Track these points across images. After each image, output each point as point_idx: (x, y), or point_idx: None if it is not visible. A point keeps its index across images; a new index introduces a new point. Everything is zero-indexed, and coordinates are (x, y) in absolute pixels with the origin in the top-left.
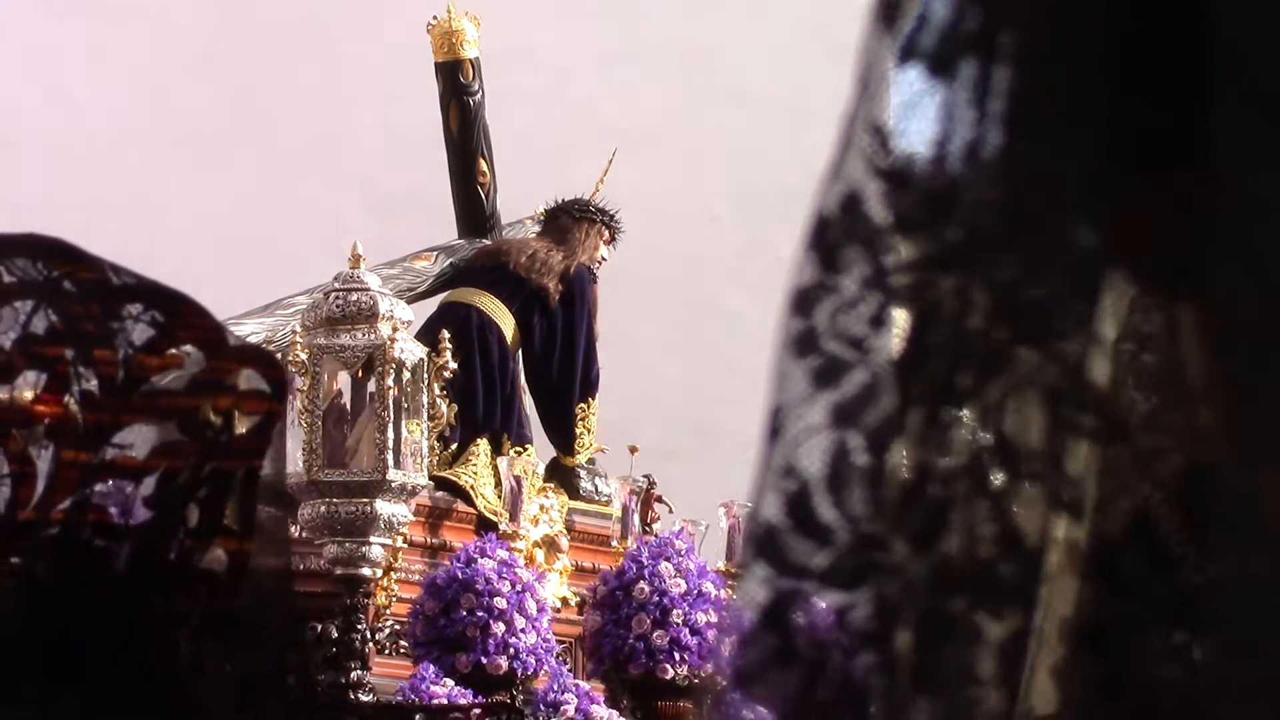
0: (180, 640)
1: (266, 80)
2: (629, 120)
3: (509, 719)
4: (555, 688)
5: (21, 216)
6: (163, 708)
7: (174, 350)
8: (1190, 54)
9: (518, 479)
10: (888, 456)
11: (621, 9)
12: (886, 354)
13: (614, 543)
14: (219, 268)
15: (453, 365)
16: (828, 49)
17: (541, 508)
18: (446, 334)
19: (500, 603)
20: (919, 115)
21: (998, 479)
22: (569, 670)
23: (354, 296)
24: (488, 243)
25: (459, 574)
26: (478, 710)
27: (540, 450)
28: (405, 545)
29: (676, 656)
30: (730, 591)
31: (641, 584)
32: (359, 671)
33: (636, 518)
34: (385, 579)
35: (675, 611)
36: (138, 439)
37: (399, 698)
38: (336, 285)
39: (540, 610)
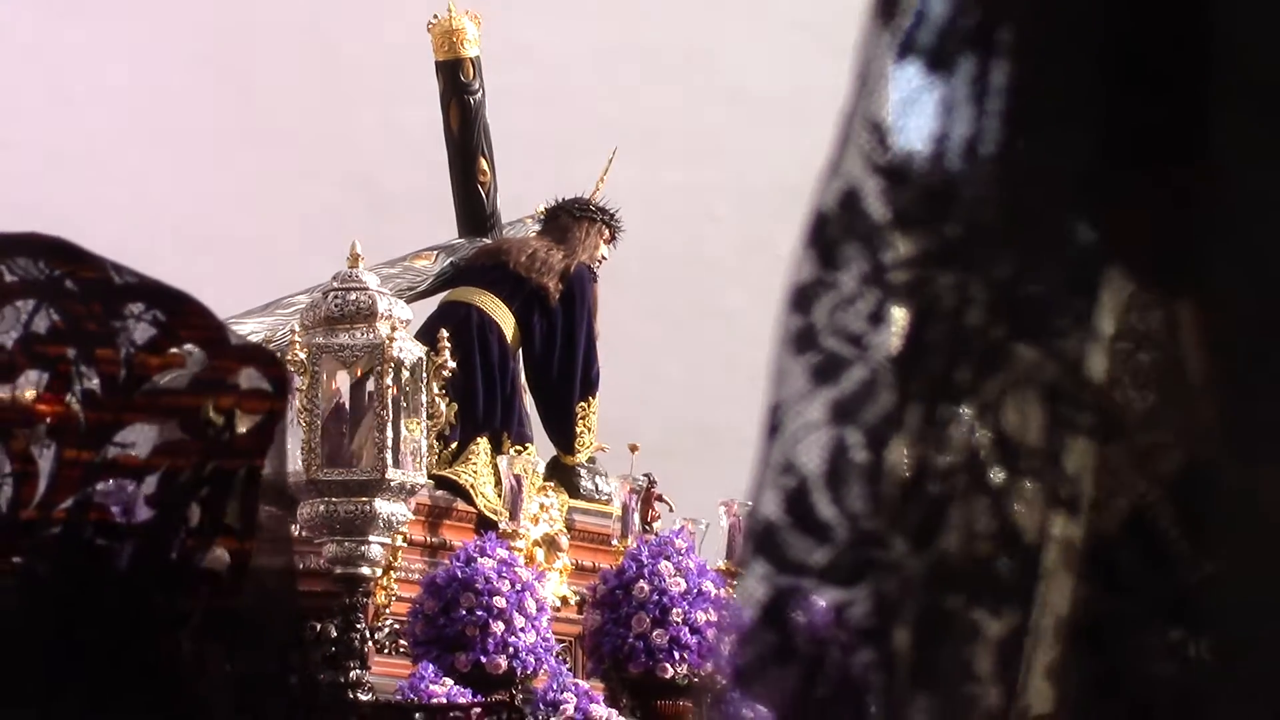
0: (182, 639)
1: (266, 80)
2: (629, 119)
3: (508, 718)
4: (555, 687)
5: (21, 216)
6: (164, 707)
7: (176, 349)
8: (1188, 50)
9: (518, 478)
10: (886, 453)
11: (621, 8)
12: (885, 350)
13: (614, 541)
14: (219, 268)
15: (451, 364)
16: (828, 49)
17: (541, 506)
18: (445, 333)
19: (500, 602)
20: (917, 112)
21: (996, 476)
22: (568, 669)
23: (353, 296)
24: (488, 242)
25: (458, 573)
26: (477, 709)
27: (540, 449)
28: (405, 544)
29: (676, 655)
30: (730, 590)
31: (641, 583)
32: (358, 671)
33: (636, 516)
34: (385, 578)
35: (675, 610)
36: (139, 438)
37: (398, 697)
38: (335, 285)
39: (540, 609)
